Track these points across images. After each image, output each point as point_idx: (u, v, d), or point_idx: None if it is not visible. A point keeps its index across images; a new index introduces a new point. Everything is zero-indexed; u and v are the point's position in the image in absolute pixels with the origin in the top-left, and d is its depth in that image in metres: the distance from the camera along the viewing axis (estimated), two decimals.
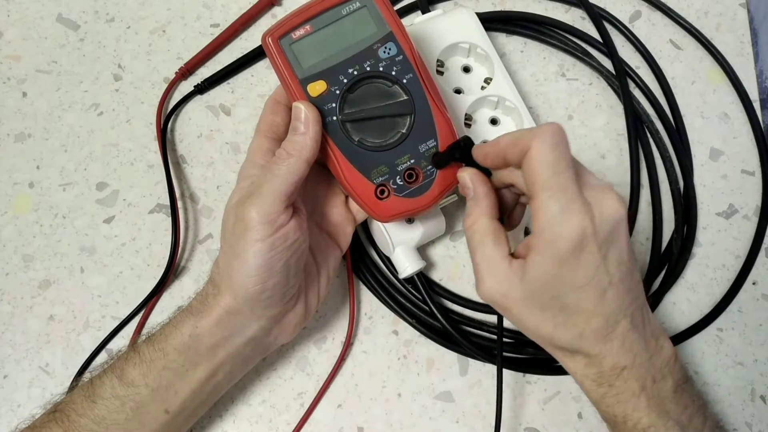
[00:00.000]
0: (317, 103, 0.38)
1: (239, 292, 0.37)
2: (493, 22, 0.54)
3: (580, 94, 0.53)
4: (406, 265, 0.45)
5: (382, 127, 0.39)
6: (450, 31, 0.49)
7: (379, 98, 0.39)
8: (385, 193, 0.40)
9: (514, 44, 0.55)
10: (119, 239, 0.49)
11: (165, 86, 0.53)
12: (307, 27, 0.38)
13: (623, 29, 0.54)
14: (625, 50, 0.54)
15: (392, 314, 0.47)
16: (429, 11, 0.52)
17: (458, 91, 0.49)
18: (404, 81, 0.39)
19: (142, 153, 0.51)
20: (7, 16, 0.55)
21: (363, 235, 0.49)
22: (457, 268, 0.49)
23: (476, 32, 0.49)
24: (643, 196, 0.50)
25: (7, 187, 0.50)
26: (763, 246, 0.49)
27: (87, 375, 0.39)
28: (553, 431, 0.45)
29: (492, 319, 0.48)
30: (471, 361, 0.47)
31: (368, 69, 0.39)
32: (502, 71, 0.49)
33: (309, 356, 0.47)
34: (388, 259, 0.47)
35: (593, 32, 0.54)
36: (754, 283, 0.49)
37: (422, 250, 0.48)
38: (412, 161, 0.40)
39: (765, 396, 0.46)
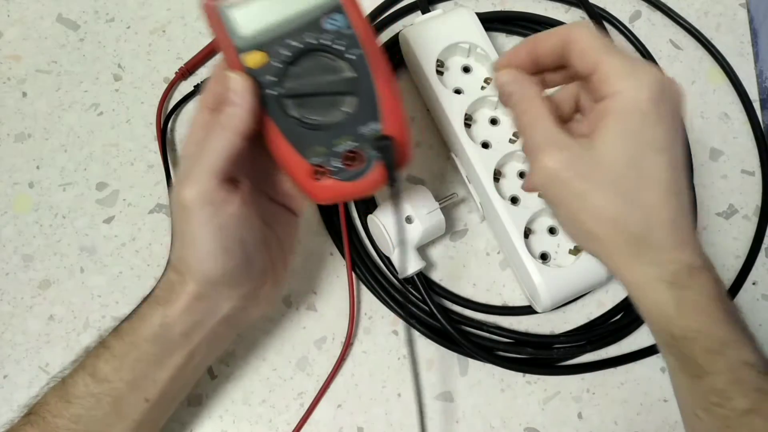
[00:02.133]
0: (255, 74, 0.35)
1: (200, 278, 0.36)
2: (493, 22, 0.54)
3: None
4: (406, 265, 0.45)
5: (323, 105, 0.36)
6: (450, 31, 0.49)
7: (321, 74, 0.36)
8: (323, 175, 0.37)
9: (514, 44, 0.55)
10: (119, 239, 0.49)
11: (165, 86, 0.53)
12: None
13: (623, 29, 0.54)
14: (625, 50, 0.54)
15: (392, 314, 0.48)
16: (429, 11, 0.52)
17: (458, 91, 0.49)
18: (350, 57, 0.36)
19: (142, 153, 0.51)
20: (7, 16, 0.55)
21: (363, 235, 0.49)
22: (457, 268, 0.49)
23: (476, 32, 0.49)
24: None
25: (7, 187, 0.50)
26: (763, 246, 0.49)
27: (58, 375, 0.39)
28: (553, 431, 0.45)
29: (492, 319, 0.48)
30: (471, 361, 0.47)
31: (311, 42, 0.36)
32: None
33: (309, 356, 0.47)
34: (388, 259, 0.47)
35: None
36: (754, 283, 0.49)
37: (422, 250, 0.48)
38: (352, 143, 0.36)
39: None
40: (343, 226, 0.47)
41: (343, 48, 0.36)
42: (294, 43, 0.36)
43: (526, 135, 0.34)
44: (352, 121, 0.36)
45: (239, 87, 0.35)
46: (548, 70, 0.37)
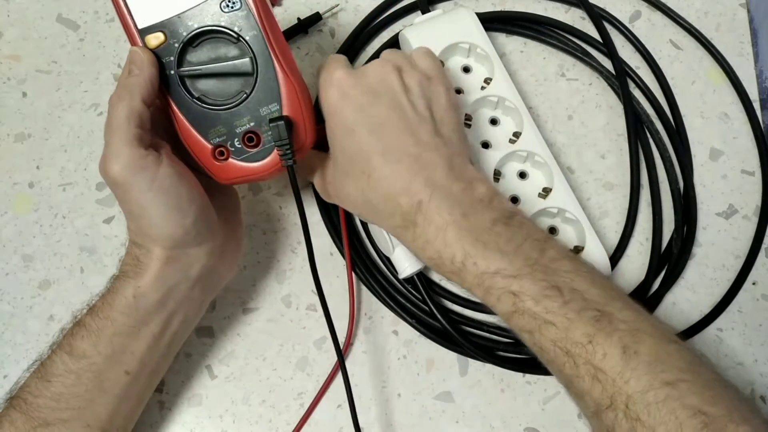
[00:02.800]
0: (156, 55, 0.37)
1: (165, 242, 0.37)
2: (493, 22, 0.54)
3: (580, 94, 0.53)
4: (406, 265, 0.45)
5: (223, 86, 0.38)
6: (450, 31, 0.49)
7: (221, 55, 0.37)
8: (224, 155, 0.38)
9: (514, 44, 0.55)
10: (119, 239, 0.49)
11: None
12: None
13: (623, 29, 0.54)
14: (625, 50, 0.54)
15: (392, 314, 0.47)
16: (429, 11, 0.52)
17: (458, 92, 0.49)
18: (247, 38, 0.37)
19: None
20: (7, 16, 0.55)
21: (363, 234, 0.49)
22: None
23: (476, 32, 0.49)
24: (643, 196, 0.50)
25: (7, 187, 0.50)
26: (763, 246, 0.49)
27: (37, 360, 0.39)
28: (553, 431, 0.45)
29: (492, 319, 0.48)
30: (471, 361, 0.47)
31: (208, 23, 0.37)
32: (502, 71, 0.49)
33: (309, 356, 0.47)
34: (388, 259, 0.47)
35: (593, 32, 0.54)
36: (754, 283, 0.49)
37: None
38: (252, 124, 0.38)
39: (765, 396, 0.46)
40: (343, 227, 0.47)
41: (241, 29, 0.37)
42: (192, 24, 0.37)
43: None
44: (252, 102, 0.38)
45: (138, 58, 0.36)
46: None
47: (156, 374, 0.41)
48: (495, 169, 0.47)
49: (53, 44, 0.54)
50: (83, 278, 0.48)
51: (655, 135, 0.51)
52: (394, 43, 0.52)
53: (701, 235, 0.50)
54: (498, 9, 0.55)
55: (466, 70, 0.50)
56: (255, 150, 0.38)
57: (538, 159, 0.47)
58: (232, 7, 0.37)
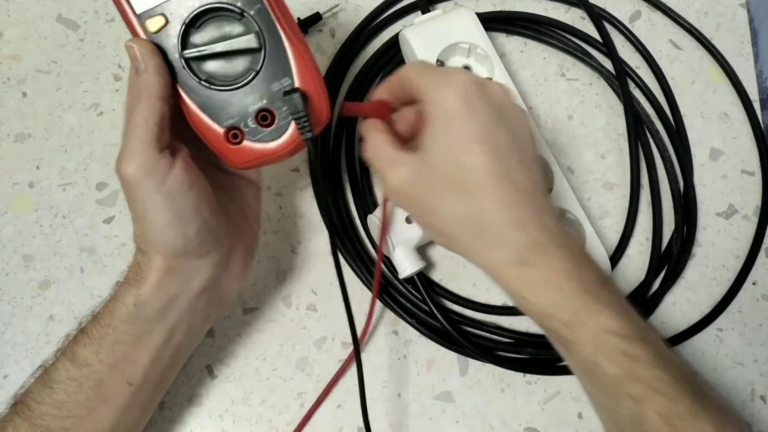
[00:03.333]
0: (157, 39, 0.35)
1: (165, 251, 0.36)
2: (493, 22, 0.54)
3: (580, 94, 0.53)
4: (406, 265, 0.45)
5: (231, 65, 0.36)
6: (450, 31, 0.49)
7: (226, 33, 0.36)
8: (238, 138, 0.36)
9: (514, 44, 0.55)
10: (119, 239, 0.49)
11: None
12: None
13: (623, 29, 0.54)
14: (625, 50, 0.54)
15: (392, 314, 0.48)
16: (429, 11, 0.52)
17: None
18: (252, 13, 0.35)
19: None
20: (7, 16, 0.55)
21: (363, 234, 0.49)
22: (457, 268, 0.49)
23: (476, 32, 0.49)
24: (643, 196, 0.50)
25: (7, 187, 0.50)
26: (763, 246, 0.49)
27: (42, 366, 0.39)
28: (553, 431, 0.45)
29: (493, 319, 0.48)
30: (471, 361, 0.47)
31: (210, 0, 0.35)
32: (502, 71, 0.49)
33: (309, 356, 0.47)
34: (388, 259, 0.47)
35: (593, 32, 0.54)
36: (754, 283, 0.49)
37: (422, 250, 0.48)
38: (264, 102, 0.36)
39: (765, 396, 0.46)
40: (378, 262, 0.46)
41: (244, 4, 0.35)
42: (193, 3, 0.35)
43: (373, 160, 0.38)
44: (262, 78, 0.36)
45: (138, 53, 0.35)
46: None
47: (161, 386, 0.40)
48: None
49: (53, 44, 0.54)
50: (83, 278, 0.48)
51: (655, 135, 0.51)
52: (394, 43, 0.52)
53: (701, 235, 0.50)
54: (498, 9, 0.55)
55: (466, 69, 0.50)
56: (270, 129, 0.36)
57: None
58: None
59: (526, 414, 0.46)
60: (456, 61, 0.50)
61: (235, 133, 0.36)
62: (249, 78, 0.36)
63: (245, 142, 0.36)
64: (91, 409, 0.37)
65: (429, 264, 0.48)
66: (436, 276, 0.49)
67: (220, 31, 0.36)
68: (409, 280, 0.47)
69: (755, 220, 0.50)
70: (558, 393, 0.46)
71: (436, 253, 0.49)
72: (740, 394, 0.46)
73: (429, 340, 0.47)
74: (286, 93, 0.35)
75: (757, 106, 0.53)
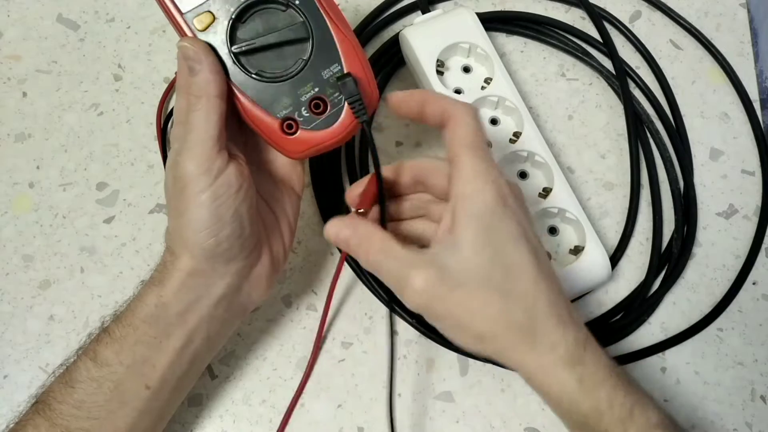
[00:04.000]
0: (205, 36, 0.35)
1: (195, 249, 0.36)
2: (493, 22, 0.54)
3: (580, 94, 0.53)
4: None
5: (280, 56, 0.36)
6: (450, 31, 0.49)
7: (272, 25, 0.36)
8: (292, 128, 0.36)
9: (514, 44, 0.55)
10: (119, 239, 0.49)
11: (165, 86, 0.53)
12: None
13: (623, 29, 0.54)
14: (625, 50, 0.54)
15: (392, 314, 0.47)
16: (429, 11, 0.52)
17: (458, 91, 0.49)
18: (296, 3, 0.36)
19: (142, 153, 0.51)
20: (7, 16, 0.55)
21: None
22: None
23: (476, 32, 0.49)
24: (643, 196, 0.50)
25: (7, 187, 0.50)
26: (763, 246, 0.49)
27: (63, 364, 0.39)
28: (553, 431, 0.45)
29: None
30: (471, 361, 0.47)
31: None
32: (502, 71, 0.49)
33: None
34: None
35: (593, 32, 0.54)
36: (754, 283, 0.49)
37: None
38: (317, 89, 0.36)
39: (765, 396, 0.46)
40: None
41: None
42: None
43: (381, 272, 0.35)
44: (312, 67, 0.36)
45: (192, 52, 0.35)
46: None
47: (177, 393, 0.40)
48: None
49: (53, 44, 0.54)
50: (83, 278, 0.48)
51: (655, 135, 0.51)
52: (394, 42, 0.52)
53: (701, 235, 0.50)
54: (498, 9, 0.55)
55: (466, 70, 0.50)
56: (324, 116, 0.36)
57: (539, 159, 0.47)
58: None
59: (526, 414, 0.46)
60: (456, 61, 0.50)
61: (289, 124, 0.36)
62: (300, 68, 0.36)
63: (300, 131, 0.36)
64: (109, 411, 0.36)
65: None
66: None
67: (266, 23, 0.36)
68: None
69: (755, 220, 0.50)
70: None
71: None
72: (740, 394, 0.46)
73: (429, 340, 0.47)
74: (339, 78, 0.36)
75: (757, 106, 0.53)
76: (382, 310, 0.48)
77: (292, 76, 0.36)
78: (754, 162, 0.52)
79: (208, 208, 0.35)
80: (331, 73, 0.36)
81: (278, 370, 0.46)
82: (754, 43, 0.55)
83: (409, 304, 0.34)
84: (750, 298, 0.48)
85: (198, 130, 0.35)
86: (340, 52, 0.36)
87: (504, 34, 0.55)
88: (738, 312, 0.48)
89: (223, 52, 0.36)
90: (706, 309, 0.48)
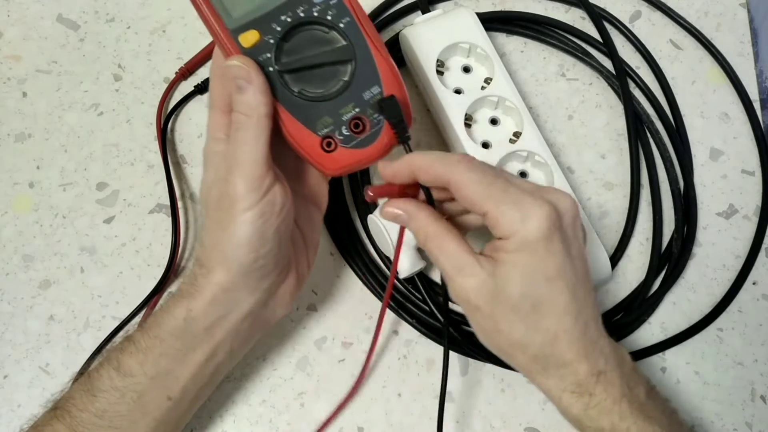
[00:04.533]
0: (251, 54, 0.36)
1: (232, 264, 0.36)
2: (493, 22, 0.54)
3: (580, 94, 0.53)
4: (406, 265, 0.45)
5: (322, 76, 0.37)
6: (450, 31, 0.49)
7: (316, 45, 0.37)
8: (332, 146, 0.37)
9: (514, 44, 0.55)
10: (119, 239, 0.49)
11: (165, 86, 0.53)
12: None
13: (623, 29, 0.54)
14: (625, 50, 0.54)
15: (392, 314, 0.47)
16: (429, 11, 0.52)
17: (458, 91, 0.49)
18: (341, 25, 0.37)
19: (142, 153, 0.51)
20: (7, 16, 0.55)
21: (363, 234, 0.49)
22: None
23: (476, 32, 0.49)
24: (643, 196, 0.50)
25: (7, 187, 0.50)
26: (763, 246, 0.49)
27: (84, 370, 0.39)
28: (553, 431, 0.45)
29: None
30: (471, 361, 0.47)
31: (302, 15, 0.36)
32: (502, 71, 0.49)
33: (309, 356, 0.47)
34: (389, 259, 0.47)
35: (593, 32, 0.54)
36: (754, 283, 0.49)
37: (422, 250, 0.48)
38: (357, 110, 0.37)
39: (765, 396, 0.46)
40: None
41: (334, 17, 0.37)
42: (285, 18, 0.36)
43: (436, 259, 0.36)
44: (353, 87, 0.37)
45: (242, 72, 0.35)
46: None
47: (195, 402, 0.40)
48: None
49: (53, 44, 0.54)
50: (83, 278, 0.48)
51: (655, 135, 0.51)
52: (394, 42, 0.52)
53: (701, 235, 0.50)
54: (498, 9, 0.55)
55: (466, 70, 0.50)
56: (363, 135, 0.38)
57: (539, 159, 0.47)
58: None
59: (526, 414, 0.46)
60: (456, 61, 0.50)
61: (329, 142, 0.37)
62: (341, 88, 0.37)
63: (339, 149, 0.37)
64: (131, 421, 0.37)
65: (429, 264, 0.48)
66: (436, 276, 0.49)
67: (311, 43, 0.37)
68: (409, 280, 0.47)
69: (755, 220, 0.50)
70: None
71: None
72: (740, 394, 0.46)
73: (429, 340, 0.47)
74: (382, 101, 0.37)
75: (757, 106, 0.53)
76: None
77: (334, 97, 0.37)
78: (754, 162, 0.52)
79: (253, 225, 0.35)
80: (372, 94, 0.37)
81: (278, 370, 0.46)
82: (754, 43, 0.55)
83: (452, 295, 0.37)
84: (750, 298, 0.48)
85: (248, 148, 0.35)
86: (380, 74, 0.38)
87: (504, 34, 0.55)
88: (738, 312, 0.48)
89: (268, 70, 0.36)
90: (706, 309, 0.48)
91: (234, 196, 0.35)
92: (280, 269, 0.39)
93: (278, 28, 0.36)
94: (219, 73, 0.37)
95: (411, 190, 0.38)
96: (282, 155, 0.39)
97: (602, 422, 0.35)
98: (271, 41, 0.36)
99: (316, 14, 0.37)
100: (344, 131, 0.37)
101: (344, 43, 0.37)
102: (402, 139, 0.37)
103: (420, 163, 0.36)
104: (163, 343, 0.37)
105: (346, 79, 0.37)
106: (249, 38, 0.36)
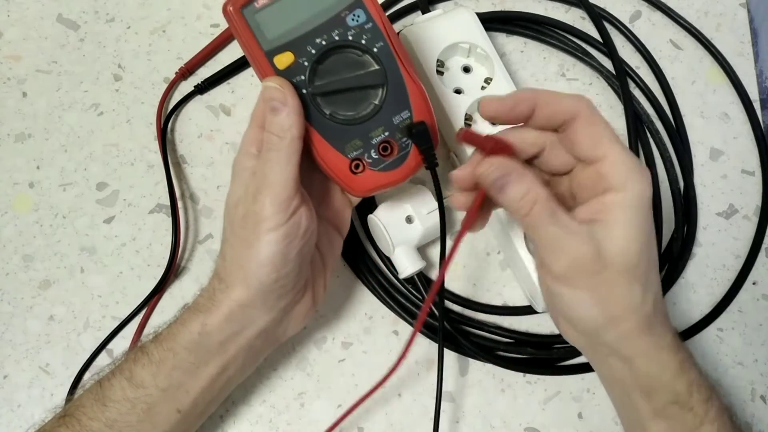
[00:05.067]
0: (285, 76, 0.36)
1: (253, 282, 0.37)
2: (493, 22, 0.54)
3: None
4: (406, 265, 0.45)
5: (354, 99, 0.37)
6: (450, 31, 0.49)
7: (349, 69, 0.37)
8: (360, 168, 0.38)
9: (514, 44, 0.55)
10: (119, 239, 0.49)
11: (165, 86, 0.53)
12: None
13: (623, 29, 0.54)
14: (625, 50, 0.54)
15: (392, 314, 0.47)
16: (429, 11, 0.52)
17: (458, 91, 0.49)
18: (375, 50, 0.37)
19: (142, 153, 0.51)
20: (7, 16, 0.55)
21: (363, 235, 0.49)
22: (457, 268, 0.49)
23: (476, 32, 0.49)
24: None
25: (7, 187, 0.50)
26: (763, 246, 0.49)
27: (94, 377, 0.39)
28: (553, 431, 0.45)
29: (493, 319, 0.48)
30: (471, 361, 0.47)
31: (337, 38, 0.36)
32: (502, 71, 0.49)
33: (309, 356, 0.47)
34: (388, 259, 0.47)
35: (593, 32, 0.54)
36: (754, 283, 0.49)
37: (422, 250, 0.48)
38: (387, 134, 0.38)
39: (765, 396, 0.46)
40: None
41: (368, 42, 0.37)
42: (320, 41, 0.36)
43: (538, 228, 0.33)
44: (384, 112, 0.37)
45: (278, 93, 0.35)
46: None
47: (203, 415, 0.40)
48: None
49: (53, 44, 0.54)
50: (83, 278, 0.48)
51: (655, 135, 0.51)
52: None
53: (701, 235, 0.50)
54: (498, 9, 0.55)
55: (467, 70, 0.50)
56: (391, 158, 0.38)
57: None
58: (357, 20, 0.37)
59: (526, 414, 0.46)
60: (456, 61, 0.50)
61: (357, 164, 0.38)
62: (372, 112, 0.37)
63: (367, 171, 0.38)
64: (139, 431, 0.37)
65: (429, 264, 0.48)
66: (436, 276, 0.49)
67: (344, 66, 0.37)
68: (409, 280, 0.47)
69: (755, 220, 0.50)
70: (558, 393, 0.46)
71: (436, 253, 0.49)
72: (740, 394, 0.46)
73: (429, 340, 0.47)
74: (412, 126, 0.37)
75: (757, 106, 0.53)
76: (382, 310, 0.48)
77: (365, 120, 0.38)
78: (754, 162, 0.52)
79: (278, 245, 0.36)
80: (402, 119, 0.38)
81: (278, 371, 0.46)
82: (754, 43, 0.55)
83: (555, 270, 0.34)
84: (750, 298, 0.48)
85: (278, 169, 0.35)
86: (410, 99, 0.38)
87: (504, 34, 0.55)
88: (738, 312, 0.48)
89: (301, 91, 0.36)
90: (706, 309, 0.48)
91: (261, 215, 0.35)
92: (299, 290, 0.39)
93: (313, 51, 0.36)
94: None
95: (504, 152, 0.34)
96: (309, 177, 0.39)
97: (692, 375, 0.35)
98: (306, 63, 0.36)
99: (350, 38, 0.37)
100: (373, 154, 0.38)
101: (377, 67, 0.37)
102: (430, 165, 0.38)
103: (543, 95, 0.34)
104: (177, 356, 0.37)
105: (376, 102, 0.38)
106: (284, 60, 0.36)
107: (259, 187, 0.36)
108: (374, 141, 0.38)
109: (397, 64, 0.38)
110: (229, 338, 0.38)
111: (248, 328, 0.38)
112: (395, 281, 0.48)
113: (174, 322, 0.39)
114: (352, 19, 0.37)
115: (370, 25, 0.37)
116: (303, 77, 0.36)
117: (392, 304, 0.47)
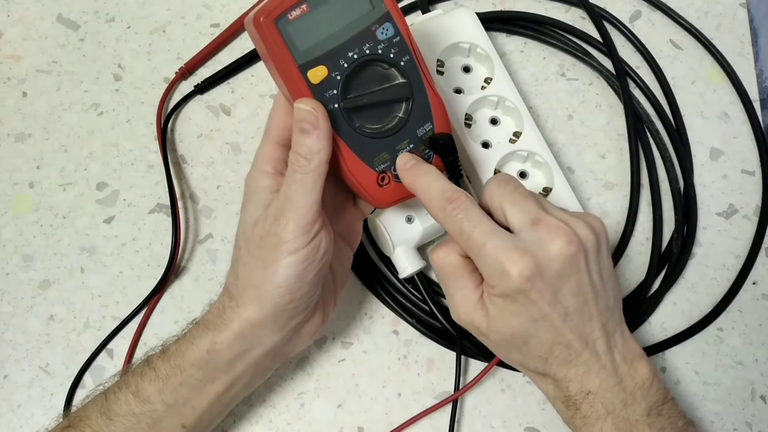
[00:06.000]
0: (318, 90, 0.35)
1: (266, 303, 0.36)
2: (493, 22, 0.54)
3: (580, 94, 0.53)
4: (406, 265, 0.45)
5: (380, 113, 0.37)
6: (450, 31, 0.49)
7: (377, 82, 0.37)
8: (386, 180, 0.38)
9: (514, 44, 0.55)
10: (119, 239, 0.49)
11: (165, 86, 0.53)
12: (304, 6, 0.34)
13: (623, 29, 0.54)
14: (625, 50, 0.54)
15: (392, 314, 0.47)
16: (429, 11, 0.52)
17: (458, 91, 0.49)
18: (402, 64, 0.37)
19: (142, 153, 0.51)
20: (7, 16, 0.55)
21: (363, 235, 0.49)
22: None
23: (476, 32, 0.49)
24: (643, 196, 0.50)
25: (7, 187, 0.50)
26: (763, 246, 0.49)
27: (99, 388, 0.39)
28: (553, 431, 0.45)
29: None
30: (471, 361, 0.47)
31: (368, 51, 0.36)
32: (502, 71, 0.49)
33: (309, 356, 0.47)
34: (388, 259, 0.47)
35: (593, 32, 0.54)
36: (754, 283, 0.49)
37: (422, 250, 0.48)
38: (412, 146, 0.38)
39: (765, 396, 0.46)
40: None
41: (396, 55, 0.37)
42: (352, 55, 0.36)
43: (445, 285, 0.38)
44: (409, 124, 0.38)
45: (311, 117, 0.35)
46: None
47: (207, 429, 0.40)
48: (495, 169, 0.47)
49: (53, 44, 0.54)
50: (83, 278, 0.48)
51: (655, 135, 0.51)
52: None
53: (701, 235, 0.50)
54: (498, 9, 0.55)
55: (466, 70, 0.50)
56: None
57: (539, 159, 0.47)
58: (386, 34, 0.36)
59: (526, 414, 0.46)
60: (456, 61, 0.50)
61: (383, 177, 0.38)
62: (399, 125, 0.38)
63: (392, 184, 0.38)
64: None
65: (429, 264, 0.48)
66: (436, 276, 0.49)
67: (373, 80, 0.37)
68: (409, 280, 0.47)
69: (755, 219, 0.50)
70: None
71: None
72: (740, 394, 0.46)
73: (429, 340, 0.47)
74: (438, 138, 0.38)
75: (757, 105, 0.53)
76: (382, 310, 0.48)
77: (392, 133, 0.38)
78: (754, 162, 0.52)
79: (296, 268, 0.36)
80: (425, 131, 0.38)
81: (278, 370, 0.46)
82: (754, 43, 0.55)
83: (507, 284, 0.34)
84: (750, 298, 0.48)
85: (304, 192, 0.35)
86: (433, 112, 0.38)
87: (504, 34, 0.55)
88: (738, 312, 0.48)
89: (333, 106, 0.36)
90: (706, 309, 0.48)
91: (282, 237, 0.35)
92: (310, 311, 0.39)
93: (345, 65, 0.36)
94: (283, 103, 0.37)
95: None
96: (323, 193, 0.39)
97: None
98: (338, 77, 0.36)
99: (380, 51, 0.36)
100: None
101: (403, 80, 0.37)
102: (455, 175, 0.39)
103: (423, 196, 0.37)
104: (184, 372, 0.37)
105: (401, 115, 0.38)
106: (318, 74, 0.35)
107: (282, 209, 0.35)
108: (400, 154, 0.38)
109: (421, 77, 0.38)
110: (237, 356, 0.37)
111: (257, 347, 0.38)
112: (395, 281, 0.48)
113: (182, 337, 0.38)
114: (382, 33, 0.36)
115: (398, 38, 0.37)
116: (335, 91, 0.36)
117: (392, 304, 0.47)
